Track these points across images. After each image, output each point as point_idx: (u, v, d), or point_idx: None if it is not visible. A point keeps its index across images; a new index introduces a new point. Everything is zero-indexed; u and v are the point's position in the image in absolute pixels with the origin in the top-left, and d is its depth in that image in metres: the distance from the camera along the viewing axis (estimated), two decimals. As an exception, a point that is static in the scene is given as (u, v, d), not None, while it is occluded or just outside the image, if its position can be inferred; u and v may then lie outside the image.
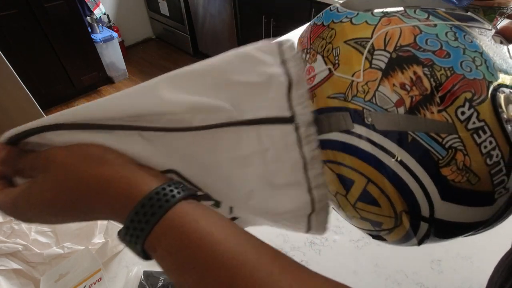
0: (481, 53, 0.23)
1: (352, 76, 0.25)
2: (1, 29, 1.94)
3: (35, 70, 2.18)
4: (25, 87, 1.99)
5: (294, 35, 1.06)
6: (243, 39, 2.49)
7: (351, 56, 0.25)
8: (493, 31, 0.25)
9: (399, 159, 0.23)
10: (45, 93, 2.29)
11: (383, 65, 0.23)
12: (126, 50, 3.10)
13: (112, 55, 2.58)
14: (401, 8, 0.26)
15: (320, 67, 0.27)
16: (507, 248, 0.56)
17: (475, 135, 0.21)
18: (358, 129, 0.24)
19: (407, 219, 0.25)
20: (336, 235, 0.59)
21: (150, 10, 3.16)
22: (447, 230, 0.25)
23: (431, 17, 0.25)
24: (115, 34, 2.52)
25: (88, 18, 2.38)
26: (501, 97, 0.21)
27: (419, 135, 0.22)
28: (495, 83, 0.22)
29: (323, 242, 0.58)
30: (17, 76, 1.93)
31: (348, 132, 0.25)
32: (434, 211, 0.23)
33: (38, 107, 2.10)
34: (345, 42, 0.26)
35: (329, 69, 0.26)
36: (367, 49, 0.24)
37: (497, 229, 0.58)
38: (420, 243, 0.27)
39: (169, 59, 3.10)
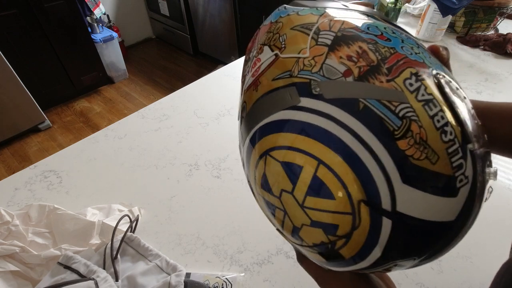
0: (418, 47, 0.24)
1: (298, 53, 0.25)
2: (1, 29, 1.94)
3: (35, 70, 2.18)
4: (25, 87, 2.00)
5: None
6: (243, 39, 2.49)
7: (297, 37, 0.25)
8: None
9: (352, 129, 0.21)
10: (45, 93, 2.30)
11: (329, 42, 0.23)
12: (126, 50, 3.10)
13: (112, 55, 2.58)
14: (344, 7, 0.27)
15: (266, 55, 0.27)
16: (507, 248, 0.56)
17: (426, 107, 0.20)
18: (306, 102, 0.23)
19: (367, 212, 0.22)
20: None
21: (150, 10, 3.16)
22: (412, 233, 0.22)
23: (370, 18, 0.26)
24: (115, 34, 2.52)
25: (88, 18, 2.38)
26: (442, 80, 0.22)
27: (370, 102, 0.21)
28: (434, 71, 0.22)
29: (322, 242, 0.58)
30: (17, 76, 1.94)
31: (295, 107, 0.23)
32: (395, 201, 0.21)
33: (38, 107, 2.11)
34: (291, 28, 0.26)
35: (275, 54, 0.26)
36: (312, 30, 0.25)
37: (497, 229, 0.58)
38: (384, 255, 0.23)
39: (169, 59, 3.10)
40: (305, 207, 0.23)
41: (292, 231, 0.26)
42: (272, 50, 0.27)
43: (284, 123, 0.24)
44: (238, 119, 0.31)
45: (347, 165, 0.22)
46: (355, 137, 0.21)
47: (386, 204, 0.21)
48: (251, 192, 0.35)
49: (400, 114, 0.20)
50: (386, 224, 0.22)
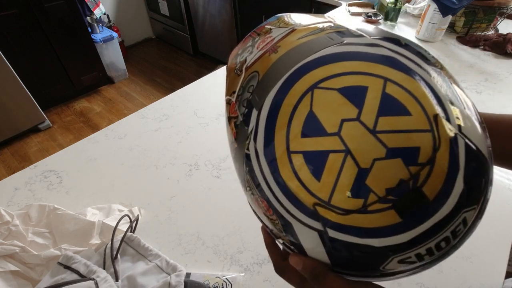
0: None
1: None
2: (1, 29, 1.94)
3: (35, 70, 2.18)
4: (25, 87, 2.00)
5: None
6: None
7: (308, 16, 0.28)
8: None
9: (404, 55, 0.22)
10: (45, 93, 2.29)
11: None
12: (126, 50, 3.10)
13: (112, 55, 2.58)
14: None
15: (279, 32, 0.28)
16: (507, 248, 0.56)
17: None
18: (350, 40, 0.24)
19: (444, 128, 0.19)
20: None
21: (150, 10, 3.16)
22: (476, 160, 0.20)
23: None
24: (115, 34, 2.52)
25: (88, 18, 2.38)
26: None
27: (407, 41, 0.24)
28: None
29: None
30: (17, 76, 1.94)
31: (341, 44, 0.23)
32: (460, 123, 0.20)
33: (38, 107, 2.11)
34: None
35: (291, 28, 0.27)
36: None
37: (497, 229, 0.58)
38: (466, 185, 0.20)
39: (169, 59, 3.10)
40: (378, 132, 0.20)
41: (356, 179, 0.20)
42: (283, 28, 0.28)
43: (333, 55, 0.23)
44: (234, 111, 0.29)
45: (414, 80, 0.21)
46: (410, 60, 0.22)
47: (453, 123, 0.20)
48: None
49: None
50: (461, 144, 0.20)
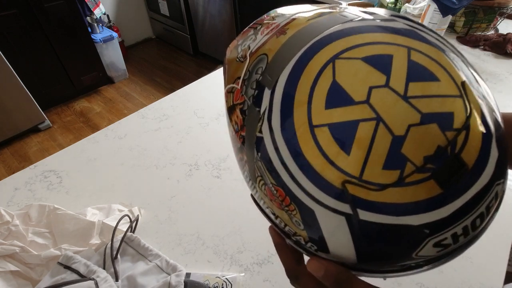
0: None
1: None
2: (1, 29, 1.94)
3: (35, 70, 2.18)
4: (25, 87, 2.00)
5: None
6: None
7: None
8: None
9: (421, 28, 0.22)
10: (45, 93, 2.30)
11: None
12: (126, 50, 3.10)
13: (112, 55, 2.58)
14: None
15: (283, 18, 0.28)
16: (507, 248, 0.56)
17: None
18: (365, 16, 0.24)
19: (472, 94, 0.19)
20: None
21: (150, 10, 3.16)
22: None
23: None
24: (115, 34, 2.52)
25: (88, 18, 2.38)
26: None
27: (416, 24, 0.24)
28: None
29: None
30: (17, 76, 1.94)
31: (359, 20, 0.23)
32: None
33: (38, 107, 2.11)
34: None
35: (293, 18, 0.27)
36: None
37: (497, 229, 0.58)
38: (499, 155, 0.19)
39: (169, 59, 3.10)
40: (410, 97, 0.19)
41: (391, 148, 0.18)
42: (288, 14, 0.28)
43: (351, 29, 0.22)
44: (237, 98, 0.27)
45: (437, 50, 0.20)
46: (428, 34, 0.22)
47: (478, 90, 0.20)
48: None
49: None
50: (489, 111, 0.20)
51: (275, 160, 0.22)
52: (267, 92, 0.23)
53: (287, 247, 0.28)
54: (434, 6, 1.10)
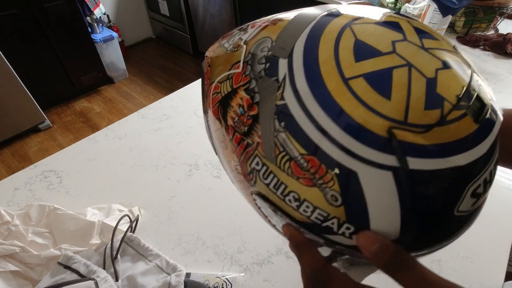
0: None
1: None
2: (1, 29, 1.94)
3: (35, 70, 2.18)
4: (25, 87, 1.99)
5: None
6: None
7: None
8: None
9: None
10: (45, 93, 2.29)
11: None
12: (126, 50, 3.10)
13: (112, 55, 2.58)
14: None
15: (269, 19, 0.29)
16: (507, 248, 0.56)
17: None
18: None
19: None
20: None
21: (150, 10, 3.16)
22: None
23: None
24: (115, 34, 2.52)
25: (88, 18, 2.38)
26: None
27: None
28: None
29: (322, 242, 0.58)
30: (17, 76, 1.94)
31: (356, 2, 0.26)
32: None
33: (38, 107, 2.11)
34: None
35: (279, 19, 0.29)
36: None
37: (497, 229, 0.58)
38: None
39: (169, 59, 3.10)
40: (428, 49, 0.21)
41: (427, 89, 0.19)
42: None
43: (352, 9, 0.25)
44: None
45: (427, 26, 0.24)
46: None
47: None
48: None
49: None
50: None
51: (305, 124, 0.20)
52: (282, 62, 0.23)
53: (312, 245, 0.25)
54: (434, 6, 1.10)
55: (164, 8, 2.91)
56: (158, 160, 0.74)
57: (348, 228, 0.21)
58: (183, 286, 0.48)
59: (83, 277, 0.47)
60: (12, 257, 0.51)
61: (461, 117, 0.19)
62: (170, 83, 2.76)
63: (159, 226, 0.61)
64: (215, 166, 0.73)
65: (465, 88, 0.20)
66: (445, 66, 0.20)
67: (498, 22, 1.23)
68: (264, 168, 0.24)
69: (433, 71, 0.20)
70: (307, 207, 0.22)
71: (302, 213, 0.23)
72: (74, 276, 0.47)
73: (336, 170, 0.20)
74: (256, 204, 0.28)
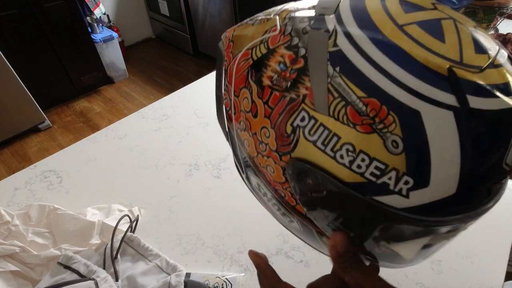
0: None
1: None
2: (1, 29, 1.94)
3: (35, 70, 2.18)
4: (25, 87, 1.99)
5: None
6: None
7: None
8: None
9: None
10: (45, 93, 2.29)
11: None
12: (126, 50, 3.10)
13: (112, 55, 2.58)
14: None
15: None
16: (507, 248, 0.56)
17: None
18: None
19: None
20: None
21: (150, 10, 3.16)
22: None
23: None
24: (115, 34, 2.52)
25: (88, 18, 2.38)
26: None
27: None
28: None
29: (322, 242, 0.58)
30: (17, 76, 1.94)
31: None
32: None
33: (38, 107, 2.11)
34: None
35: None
36: None
37: (497, 229, 0.58)
38: None
39: (169, 59, 3.10)
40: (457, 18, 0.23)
41: (473, 38, 0.21)
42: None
43: None
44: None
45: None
46: None
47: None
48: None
49: None
50: None
51: (363, 66, 0.20)
52: (329, 18, 0.23)
53: (355, 256, 0.24)
54: (434, 6, 1.10)
55: (164, 8, 2.91)
56: (158, 160, 0.74)
57: (406, 183, 0.20)
58: (183, 286, 0.48)
59: (83, 277, 0.47)
60: (12, 257, 0.51)
61: (502, 64, 0.21)
62: (170, 83, 2.76)
63: (159, 226, 0.61)
64: (215, 166, 0.73)
65: (499, 44, 0.22)
66: (476, 25, 0.22)
67: (498, 22, 1.23)
68: (312, 122, 0.22)
69: (472, 25, 0.22)
70: (363, 160, 0.20)
71: (355, 170, 0.21)
72: (74, 276, 0.47)
73: (398, 111, 0.19)
74: (290, 190, 0.25)
